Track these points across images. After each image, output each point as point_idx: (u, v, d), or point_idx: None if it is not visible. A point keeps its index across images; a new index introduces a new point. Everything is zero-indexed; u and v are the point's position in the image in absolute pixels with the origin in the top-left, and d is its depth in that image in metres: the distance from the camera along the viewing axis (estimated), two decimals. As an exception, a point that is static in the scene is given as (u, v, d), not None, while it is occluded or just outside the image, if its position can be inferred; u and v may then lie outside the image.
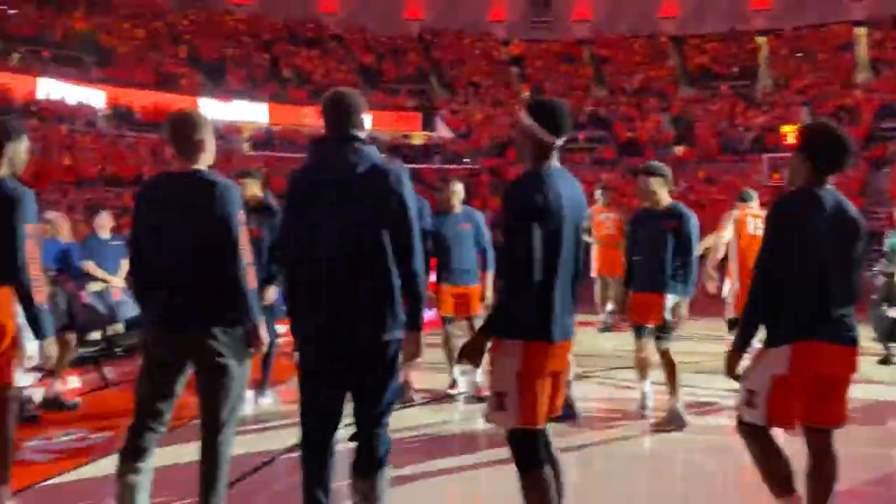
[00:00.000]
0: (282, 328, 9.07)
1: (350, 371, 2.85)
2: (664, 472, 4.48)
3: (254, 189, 5.87)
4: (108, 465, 3.20)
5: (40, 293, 3.26)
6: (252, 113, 28.40)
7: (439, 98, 31.84)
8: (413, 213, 2.85)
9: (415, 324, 2.87)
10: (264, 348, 3.13)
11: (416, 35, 34.91)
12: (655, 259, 5.01)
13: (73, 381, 6.41)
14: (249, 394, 5.98)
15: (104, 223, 7.31)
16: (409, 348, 2.88)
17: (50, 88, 23.67)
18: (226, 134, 26.63)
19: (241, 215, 3.04)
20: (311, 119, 28.62)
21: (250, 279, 3.02)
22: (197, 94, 27.29)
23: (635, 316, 5.21)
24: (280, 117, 28.75)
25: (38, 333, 3.28)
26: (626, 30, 33.67)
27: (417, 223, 2.88)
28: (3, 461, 3.35)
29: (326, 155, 2.90)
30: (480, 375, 5.70)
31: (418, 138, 29.43)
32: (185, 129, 3.08)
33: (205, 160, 3.11)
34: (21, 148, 3.41)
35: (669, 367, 5.03)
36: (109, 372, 6.81)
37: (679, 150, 26.90)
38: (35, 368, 3.42)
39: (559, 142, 2.79)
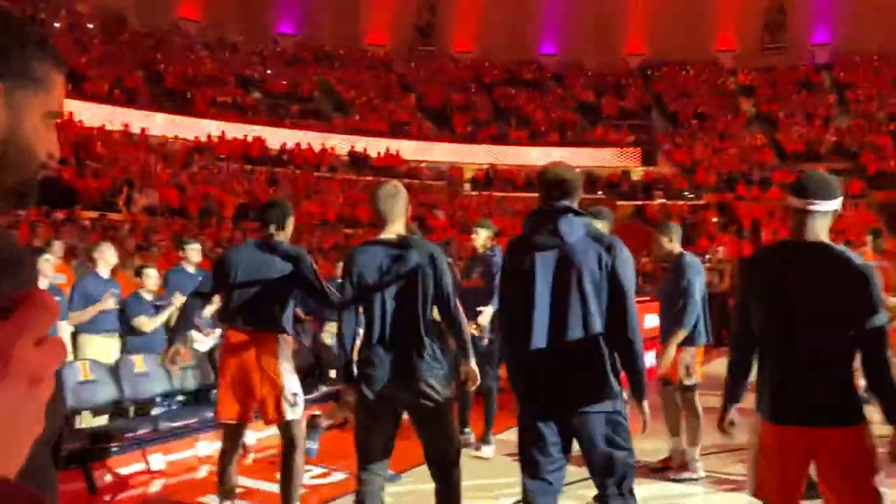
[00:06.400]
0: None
1: (572, 439, 2.92)
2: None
3: (484, 240, 6.04)
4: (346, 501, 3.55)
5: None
6: (473, 155, 29.54)
7: (661, 132, 30.98)
8: (628, 284, 2.87)
9: (640, 396, 2.86)
10: (473, 387, 3.51)
11: (637, 69, 34.38)
12: None
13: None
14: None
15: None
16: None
17: (299, 138, 26.32)
18: (449, 175, 27.94)
19: (448, 273, 3.39)
20: (530, 159, 29.23)
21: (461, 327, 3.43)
22: (424, 139, 28.97)
23: None
24: (500, 158, 29.60)
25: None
26: (873, 51, 30.62)
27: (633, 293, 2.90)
28: (291, 487, 3.84)
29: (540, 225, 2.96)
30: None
31: (638, 174, 28.81)
32: (379, 200, 3.40)
33: (401, 225, 3.40)
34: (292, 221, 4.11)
35: None
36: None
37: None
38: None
39: (809, 206, 2.56)
